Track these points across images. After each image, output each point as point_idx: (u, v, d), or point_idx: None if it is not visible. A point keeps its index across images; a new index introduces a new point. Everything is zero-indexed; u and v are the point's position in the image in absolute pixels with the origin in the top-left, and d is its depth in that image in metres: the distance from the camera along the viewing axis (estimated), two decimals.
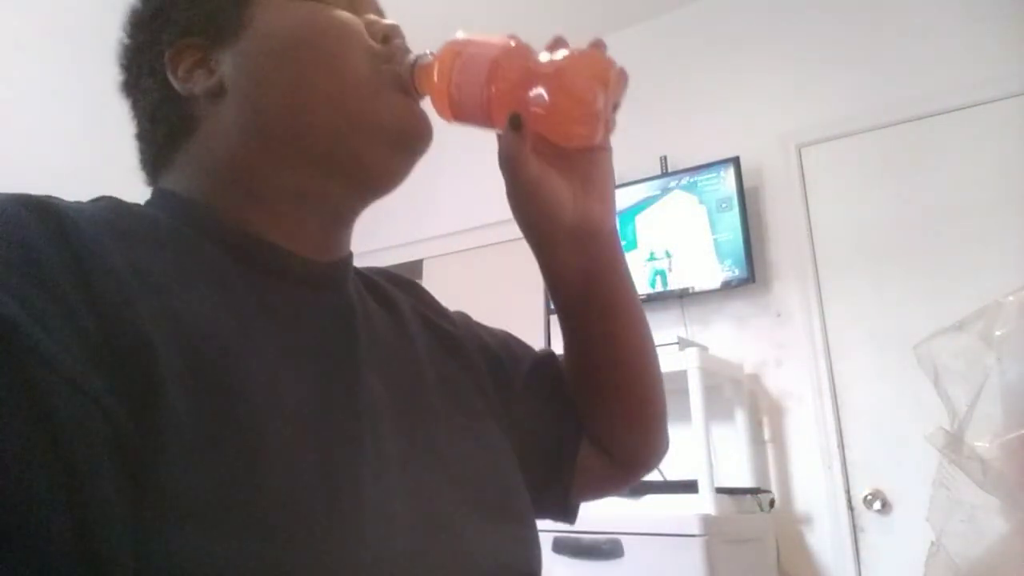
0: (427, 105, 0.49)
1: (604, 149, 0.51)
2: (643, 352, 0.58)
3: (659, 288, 2.38)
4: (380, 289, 0.56)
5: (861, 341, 2.11)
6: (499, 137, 0.48)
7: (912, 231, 2.11)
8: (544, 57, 0.46)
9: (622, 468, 0.62)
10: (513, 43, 0.46)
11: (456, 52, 0.46)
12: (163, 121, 0.49)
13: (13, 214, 0.32)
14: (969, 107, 2.09)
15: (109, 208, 0.41)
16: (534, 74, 0.45)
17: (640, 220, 2.45)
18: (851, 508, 2.01)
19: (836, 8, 2.36)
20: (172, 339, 0.33)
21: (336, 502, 0.36)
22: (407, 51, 0.49)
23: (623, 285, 0.56)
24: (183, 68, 0.48)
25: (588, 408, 0.60)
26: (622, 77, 0.46)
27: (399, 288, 0.59)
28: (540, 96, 0.44)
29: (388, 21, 0.50)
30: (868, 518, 1.99)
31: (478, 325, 0.64)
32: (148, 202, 0.48)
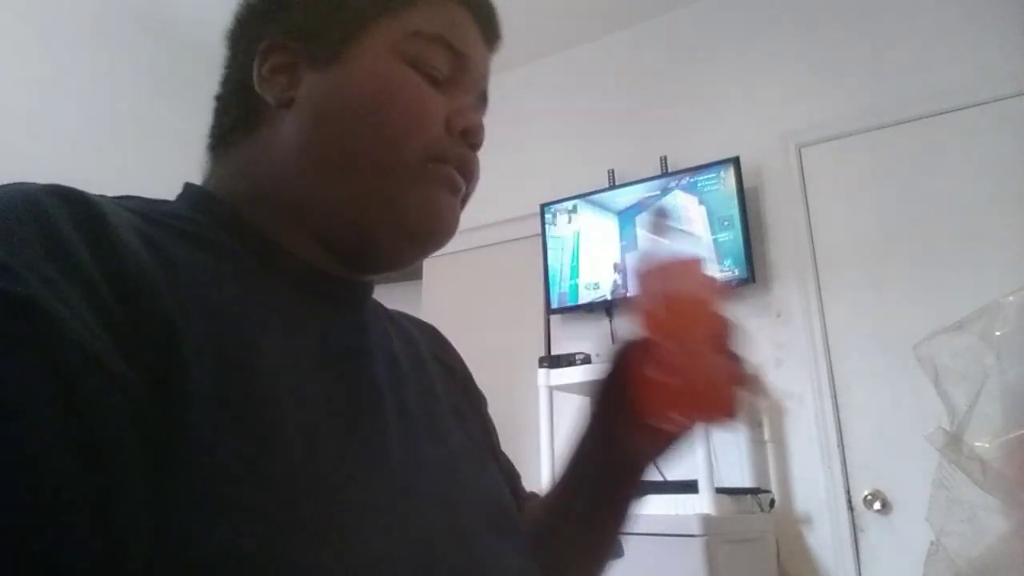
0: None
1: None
2: (613, 545, 0.61)
3: None
4: (399, 323, 0.58)
5: (861, 341, 2.11)
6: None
7: (912, 231, 2.11)
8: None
9: None
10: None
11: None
12: (234, 106, 0.50)
13: (42, 201, 0.32)
14: (969, 107, 2.09)
15: (138, 201, 0.42)
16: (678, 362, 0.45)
17: (640, 220, 2.45)
18: (851, 508, 2.01)
19: (836, 8, 2.37)
20: (196, 323, 0.34)
21: (354, 494, 0.37)
22: (469, 151, 0.49)
23: (641, 482, 0.58)
24: (268, 66, 0.48)
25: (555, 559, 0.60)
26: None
27: (418, 329, 0.61)
28: (679, 385, 0.45)
29: (473, 117, 0.49)
30: (868, 518, 1.99)
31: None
32: (180, 196, 0.49)
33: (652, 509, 1.80)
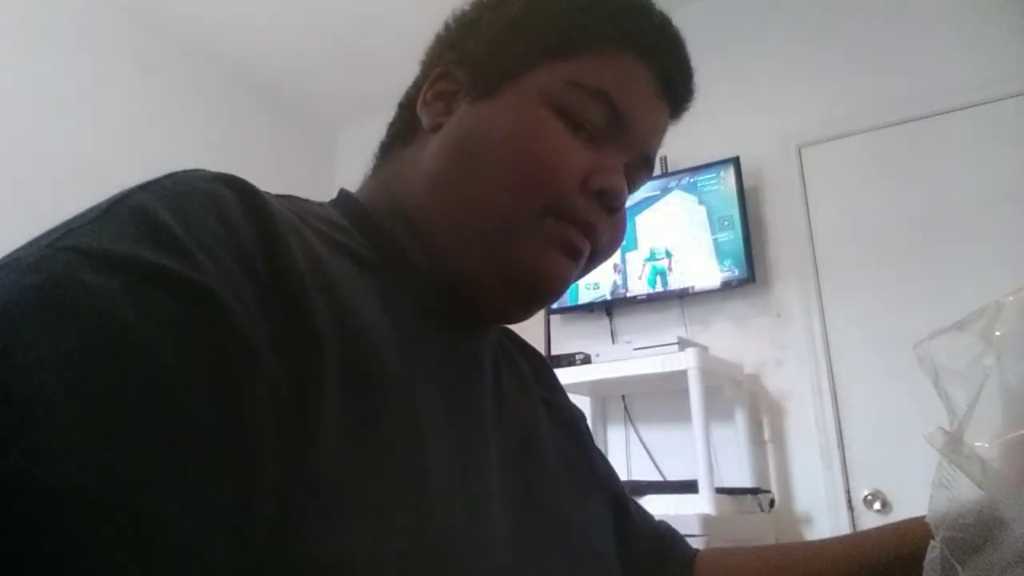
0: None
1: None
2: None
3: (659, 288, 2.38)
4: (506, 348, 0.57)
5: (861, 341, 2.11)
6: None
7: (912, 231, 2.11)
8: None
9: None
10: None
11: None
12: (400, 121, 0.52)
13: (218, 193, 0.33)
14: (969, 107, 2.09)
15: (296, 202, 0.43)
16: None
17: (640, 220, 2.45)
18: (851, 508, 2.01)
19: (836, 8, 2.37)
20: (337, 331, 0.34)
21: (473, 527, 0.38)
22: (599, 212, 0.47)
23: None
24: (433, 91, 0.49)
25: None
26: None
27: (522, 353, 0.60)
28: None
29: (613, 178, 0.46)
30: (868, 518, 1.99)
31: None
32: (333, 201, 0.50)
33: (652, 509, 1.80)
